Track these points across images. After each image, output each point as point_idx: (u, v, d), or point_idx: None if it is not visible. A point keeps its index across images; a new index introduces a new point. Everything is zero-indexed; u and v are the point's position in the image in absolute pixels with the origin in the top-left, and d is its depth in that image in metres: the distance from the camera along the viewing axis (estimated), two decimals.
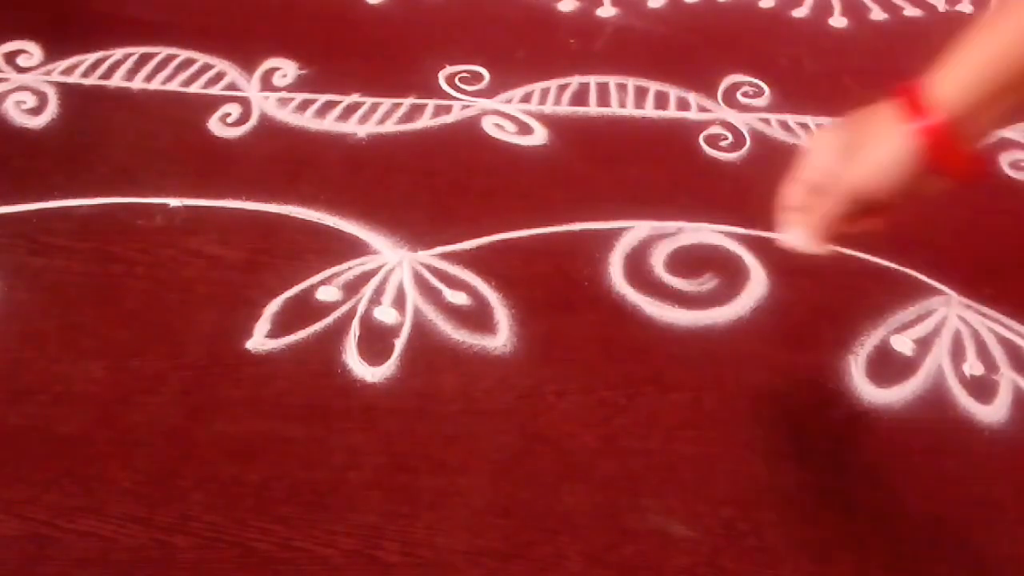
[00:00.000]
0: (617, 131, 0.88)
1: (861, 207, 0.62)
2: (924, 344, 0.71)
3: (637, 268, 0.75)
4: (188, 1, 1.00)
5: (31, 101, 0.86)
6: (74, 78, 0.89)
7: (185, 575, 0.56)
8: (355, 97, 0.89)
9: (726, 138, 0.87)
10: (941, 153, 0.57)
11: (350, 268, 0.73)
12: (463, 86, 0.91)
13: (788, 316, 0.72)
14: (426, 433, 0.63)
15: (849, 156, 0.61)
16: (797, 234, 0.63)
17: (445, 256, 0.75)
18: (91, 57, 0.91)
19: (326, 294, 0.71)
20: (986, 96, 0.56)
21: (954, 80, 0.57)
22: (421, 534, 0.58)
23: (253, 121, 0.86)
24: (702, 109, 0.91)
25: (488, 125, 0.87)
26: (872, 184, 0.60)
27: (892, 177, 0.60)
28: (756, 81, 0.94)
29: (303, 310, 0.70)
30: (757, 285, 0.73)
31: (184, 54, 0.92)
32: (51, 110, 0.86)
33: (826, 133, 0.63)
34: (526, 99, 0.90)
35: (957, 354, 0.70)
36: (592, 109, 0.90)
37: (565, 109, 0.89)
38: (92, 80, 0.89)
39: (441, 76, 0.92)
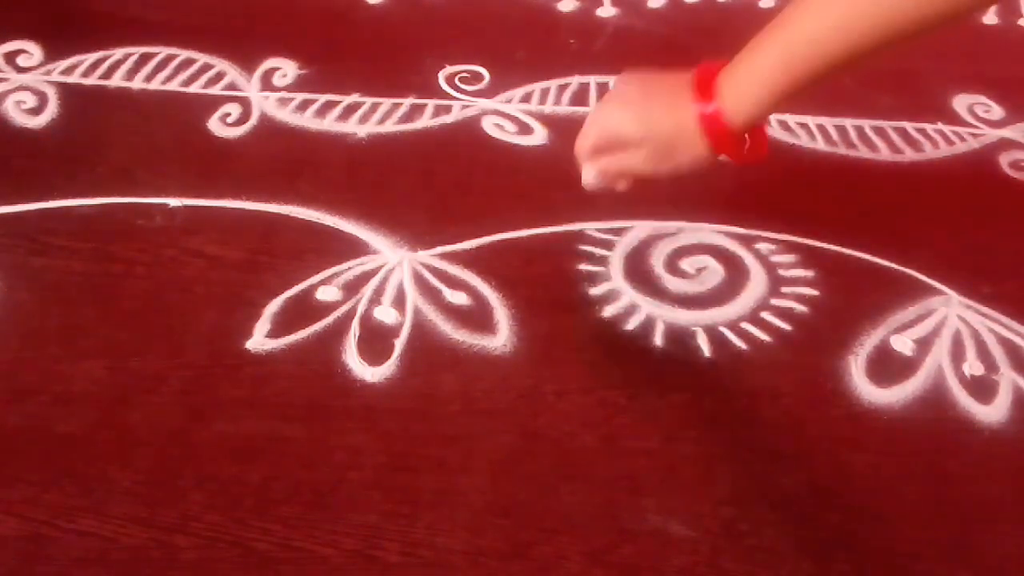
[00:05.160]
0: None
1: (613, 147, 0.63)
2: (924, 344, 0.71)
3: (637, 268, 0.75)
4: (188, 1, 1.00)
5: (31, 101, 0.86)
6: (74, 78, 0.89)
7: (185, 575, 0.56)
8: (355, 97, 0.89)
9: None
10: (715, 137, 0.59)
11: (350, 268, 0.73)
12: (463, 86, 0.91)
13: (788, 316, 0.72)
14: (426, 433, 0.63)
15: (631, 108, 0.62)
16: (586, 170, 0.66)
17: (445, 256, 0.75)
18: (91, 57, 0.91)
19: (326, 294, 0.71)
20: (768, 99, 0.58)
21: (739, 80, 0.58)
22: (421, 534, 0.58)
23: (253, 121, 0.86)
24: None
25: (488, 125, 0.87)
26: (628, 133, 0.61)
27: (658, 137, 0.61)
28: None
29: (303, 310, 0.70)
30: (757, 285, 0.73)
31: (184, 54, 0.92)
32: (51, 110, 0.86)
33: (618, 85, 0.64)
34: (526, 99, 0.90)
35: (957, 354, 0.70)
36: (592, 109, 0.90)
37: (565, 109, 0.89)
38: (92, 80, 0.89)
39: (441, 76, 0.92)
